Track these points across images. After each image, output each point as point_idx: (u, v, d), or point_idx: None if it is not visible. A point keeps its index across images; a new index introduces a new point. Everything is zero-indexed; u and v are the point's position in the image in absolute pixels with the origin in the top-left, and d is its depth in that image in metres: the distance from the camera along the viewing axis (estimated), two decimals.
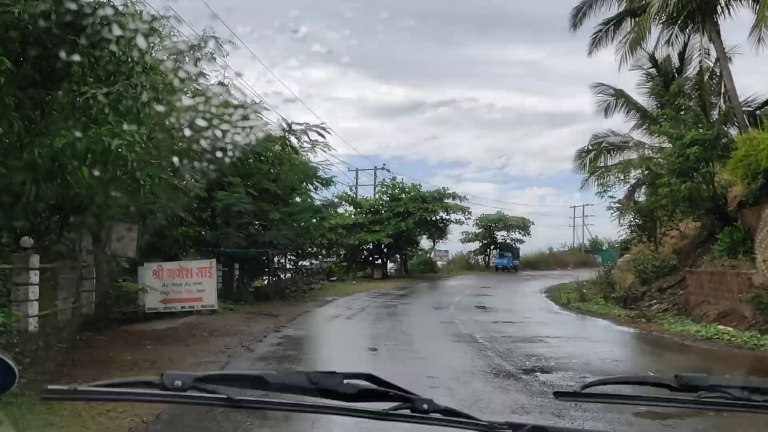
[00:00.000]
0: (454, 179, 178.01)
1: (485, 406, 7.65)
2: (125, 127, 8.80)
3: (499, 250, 59.18)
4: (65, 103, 9.19)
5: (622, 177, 26.04)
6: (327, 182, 26.16)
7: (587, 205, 79.74)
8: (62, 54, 8.85)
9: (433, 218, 43.48)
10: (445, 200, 42.89)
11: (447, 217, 44.70)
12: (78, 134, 8.39)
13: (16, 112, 8.51)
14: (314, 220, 23.62)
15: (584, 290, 28.64)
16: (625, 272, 31.12)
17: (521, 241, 60.45)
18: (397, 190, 44.23)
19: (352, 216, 43.52)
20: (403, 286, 35.56)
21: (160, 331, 14.56)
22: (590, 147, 30.73)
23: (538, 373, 9.89)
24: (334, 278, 43.22)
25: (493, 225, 58.47)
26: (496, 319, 18.19)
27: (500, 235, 60.23)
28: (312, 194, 27.21)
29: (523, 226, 58.66)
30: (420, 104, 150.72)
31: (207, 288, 18.97)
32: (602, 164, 28.81)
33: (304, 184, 25.97)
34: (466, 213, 44.13)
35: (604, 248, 75.30)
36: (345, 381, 1.55)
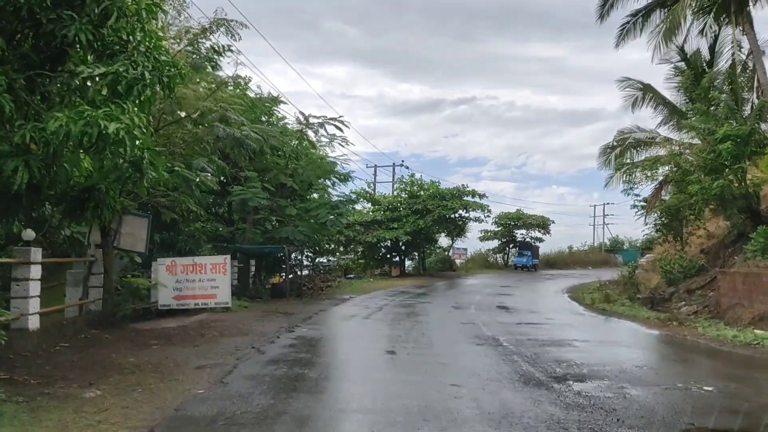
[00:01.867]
0: (472, 177, 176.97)
1: (517, 421, 6.75)
2: (125, 110, 8.00)
3: (519, 248, 58.07)
4: (61, 83, 8.41)
5: (649, 174, 24.90)
6: (345, 178, 25.36)
7: (608, 204, 78.61)
8: (58, 31, 8.10)
9: (452, 216, 42.49)
10: (465, 198, 41.89)
11: (466, 215, 43.72)
12: (72, 116, 7.59)
13: (8, 93, 7.74)
14: (331, 217, 22.77)
15: (608, 291, 27.69)
16: (650, 272, 30.04)
17: (541, 240, 59.29)
18: (415, 188, 43.33)
19: (370, 213, 42.72)
20: (421, 284, 34.68)
21: (169, 329, 13.80)
22: (615, 143, 29.59)
23: (570, 382, 8.97)
24: (351, 275, 42.55)
25: (512, 223, 57.32)
26: (519, 321, 17.26)
27: (519, 234, 59.09)
28: (329, 190, 26.44)
29: (543, 224, 57.42)
30: (439, 102, 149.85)
31: (221, 285, 18.24)
32: (628, 161, 27.65)
33: (322, 180, 25.17)
34: (486, 211, 43.15)
35: (624, 248, 73.98)
36: None
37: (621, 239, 75.07)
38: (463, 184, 42.63)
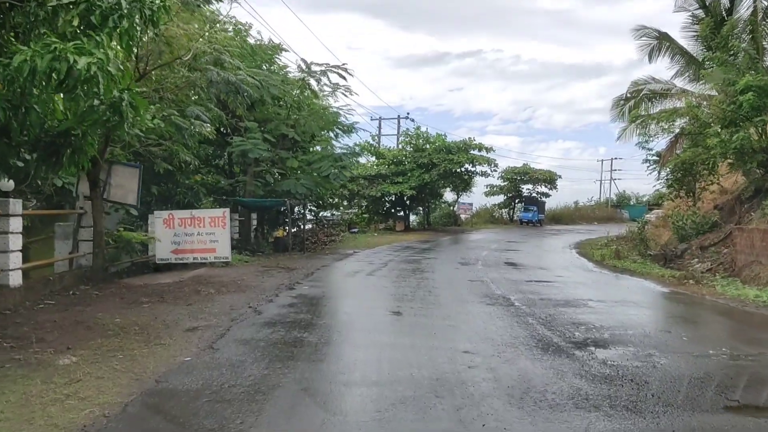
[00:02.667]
0: (477, 131, 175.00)
1: (541, 398, 5.93)
2: (99, 43, 6.99)
3: (524, 203, 57.15)
4: (27, 13, 7.37)
5: (665, 126, 23.74)
6: (348, 129, 24.26)
7: (615, 158, 77.18)
8: None
9: (458, 170, 41.44)
10: (471, 151, 40.74)
11: (472, 169, 42.58)
12: (38, 50, 6.61)
13: None
14: (334, 170, 21.79)
15: (617, 247, 26.92)
16: (660, 228, 29.17)
17: (547, 195, 58.25)
18: (421, 141, 42.18)
19: (375, 167, 41.72)
20: (426, 239, 33.89)
21: (163, 285, 13.01)
22: (628, 95, 28.38)
23: (592, 348, 8.15)
24: (355, 230, 41.82)
25: (518, 178, 56.24)
26: (529, 278, 16.45)
27: (525, 189, 58.08)
28: (333, 142, 25.38)
29: (550, 179, 56.31)
30: (445, 55, 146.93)
31: (220, 239, 17.45)
32: (643, 113, 26.44)
33: (325, 132, 24.11)
34: (492, 165, 41.96)
35: (631, 203, 72.98)
36: None
37: (628, 194, 73.90)
38: (469, 137, 41.51)
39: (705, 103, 22.46)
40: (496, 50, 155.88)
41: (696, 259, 20.62)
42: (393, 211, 44.72)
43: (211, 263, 17.27)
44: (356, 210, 45.74)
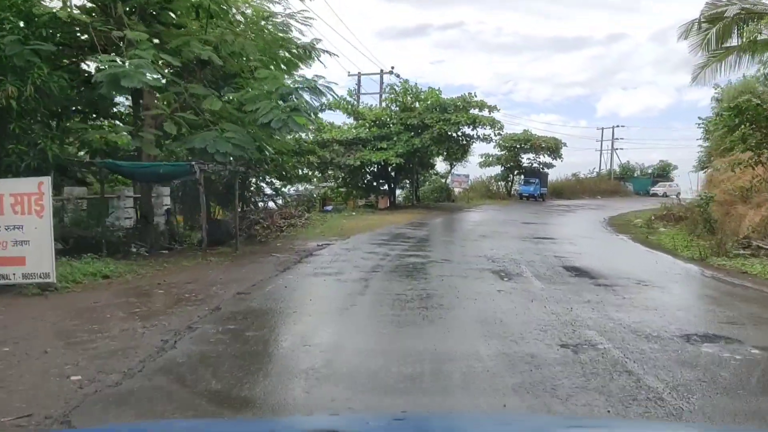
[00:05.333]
0: None
1: None
2: None
3: (525, 175, 48.34)
4: None
5: None
6: (306, 54, 15.04)
7: (617, 126, 68.16)
8: None
9: (455, 134, 32.59)
10: (471, 111, 31.84)
11: (471, 133, 33.69)
12: None
13: None
14: (280, 115, 12.68)
15: (692, 235, 18.81)
16: (733, 206, 20.67)
17: (550, 166, 49.42)
18: (409, 98, 33.13)
19: (353, 129, 32.67)
20: (418, 220, 25.05)
21: None
22: (703, 19, 19.58)
23: None
24: (329, 208, 33.28)
25: (518, 146, 47.34)
26: (631, 303, 7.95)
27: (526, 159, 49.27)
28: (286, 80, 16.09)
29: (554, 147, 47.44)
30: (426, 26, 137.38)
31: (33, 237, 8.57)
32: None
33: (267, 58, 14.89)
34: (497, 128, 32.98)
35: (635, 175, 64.48)
36: None
37: (632, 165, 65.40)
38: (469, 93, 32.46)
39: None
40: (479, 22, 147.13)
41: None
42: (375, 184, 35.82)
43: (18, 287, 8.48)
44: (332, 183, 36.85)
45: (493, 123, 31.42)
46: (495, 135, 33.00)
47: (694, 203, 22.14)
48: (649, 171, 64.40)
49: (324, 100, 15.77)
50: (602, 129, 68.10)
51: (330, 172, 35.18)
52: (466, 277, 10.73)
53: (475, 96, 32.22)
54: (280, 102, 13.10)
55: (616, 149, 66.66)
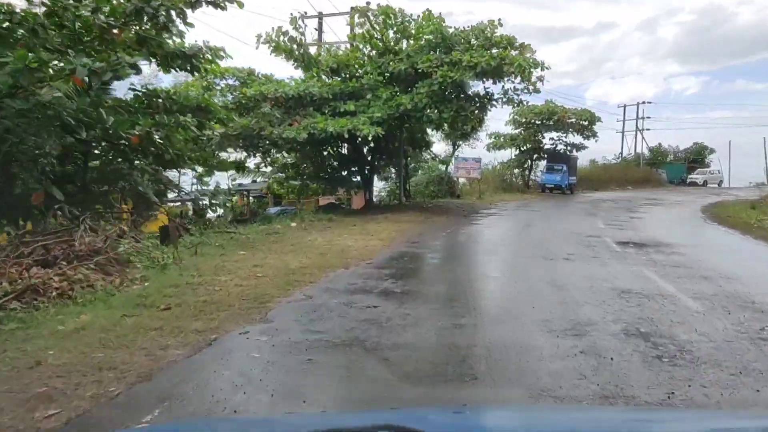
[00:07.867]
0: None
1: None
2: None
3: (548, 160, 35.49)
4: None
5: None
6: None
7: (644, 102, 55.18)
8: None
9: (467, 88, 19.58)
10: (494, 50, 18.86)
11: (492, 91, 20.60)
12: None
13: None
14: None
15: None
16: None
17: (582, 148, 36.60)
18: (394, 32, 20.08)
19: (302, 83, 19.33)
20: (407, 243, 12.16)
21: None
22: None
23: None
24: (274, 210, 21.05)
25: (539, 122, 34.52)
26: None
27: (548, 139, 36.47)
28: None
29: (590, 122, 34.66)
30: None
31: None
32: None
33: None
34: (534, 83, 19.64)
35: (668, 160, 51.84)
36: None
37: (664, 149, 52.54)
38: (490, 20, 19.40)
39: None
40: (467, 11, 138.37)
41: None
42: (346, 173, 22.83)
43: None
44: (278, 174, 23.97)
45: (535, 65, 18.18)
46: (531, 91, 19.68)
47: None
48: (680, 155, 51.81)
49: None
50: (624, 106, 55.22)
51: (278, 156, 22.28)
52: None
53: (500, 27, 19.27)
54: None
55: (643, 129, 53.62)
